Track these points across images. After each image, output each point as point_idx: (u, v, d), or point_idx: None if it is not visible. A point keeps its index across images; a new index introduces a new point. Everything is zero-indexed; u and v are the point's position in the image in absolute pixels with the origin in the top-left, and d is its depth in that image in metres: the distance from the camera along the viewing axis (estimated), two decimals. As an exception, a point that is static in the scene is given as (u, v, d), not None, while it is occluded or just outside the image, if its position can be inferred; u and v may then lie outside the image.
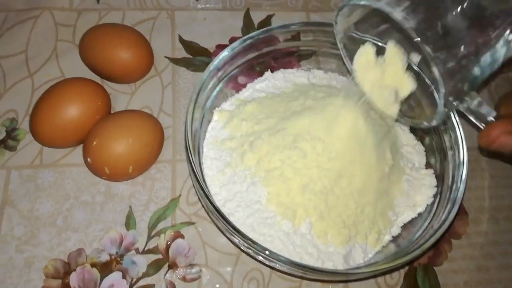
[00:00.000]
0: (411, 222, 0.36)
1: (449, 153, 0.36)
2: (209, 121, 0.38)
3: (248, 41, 0.37)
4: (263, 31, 0.37)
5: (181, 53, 0.46)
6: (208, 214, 0.35)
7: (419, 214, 0.36)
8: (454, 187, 0.34)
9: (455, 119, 0.36)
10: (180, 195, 0.39)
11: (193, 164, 0.31)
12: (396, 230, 0.35)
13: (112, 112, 0.40)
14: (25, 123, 0.40)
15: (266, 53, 0.40)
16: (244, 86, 0.42)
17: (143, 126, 0.36)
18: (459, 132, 0.35)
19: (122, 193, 0.38)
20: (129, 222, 0.37)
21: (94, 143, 0.35)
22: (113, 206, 0.38)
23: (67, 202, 0.38)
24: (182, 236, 0.37)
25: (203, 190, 0.30)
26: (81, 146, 0.39)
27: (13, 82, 0.42)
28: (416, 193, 0.36)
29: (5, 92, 0.42)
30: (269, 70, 0.42)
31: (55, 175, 0.39)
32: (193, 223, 0.38)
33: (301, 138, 0.33)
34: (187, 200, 0.39)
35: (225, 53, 0.36)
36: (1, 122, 0.40)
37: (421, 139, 0.40)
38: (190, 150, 0.31)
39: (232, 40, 0.47)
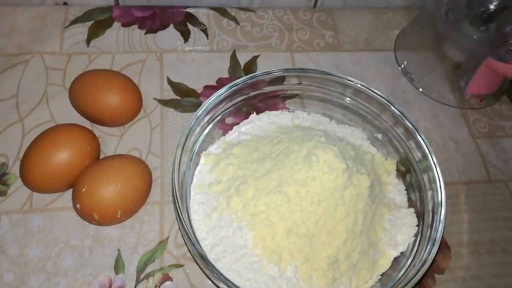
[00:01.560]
0: (395, 260, 0.37)
1: (429, 193, 0.37)
2: (196, 165, 0.39)
3: (234, 87, 0.38)
4: (249, 77, 0.39)
5: (170, 94, 0.47)
6: (195, 260, 0.35)
7: (402, 253, 0.37)
8: (433, 226, 0.35)
9: (432, 160, 0.37)
10: (168, 237, 0.39)
11: (179, 212, 0.32)
12: (379, 270, 0.36)
13: (101, 155, 0.41)
14: (15, 168, 0.41)
15: (252, 96, 0.42)
16: (231, 126, 0.43)
17: (131, 171, 0.37)
18: (437, 173, 0.36)
19: (111, 236, 0.39)
20: (118, 266, 0.38)
21: (83, 189, 0.35)
22: (102, 250, 0.38)
23: (56, 246, 0.38)
24: (171, 279, 0.38)
25: (189, 238, 0.31)
26: (70, 190, 0.39)
27: (4, 127, 0.43)
28: (398, 232, 0.37)
29: (-5, 136, 0.43)
30: (254, 112, 0.43)
31: (45, 220, 0.39)
32: (182, 266, 0.38)
33: (285, 182, 0.34)
34: (175, 242, 0.39)
35: (212, 99, 0.38)
36: (-9, 167, 0.41)
37: (403, 176, 0.42)
38: (177, 197, 0.32)
39: (220, 81, 0.49)
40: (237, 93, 0.40)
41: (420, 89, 0.52)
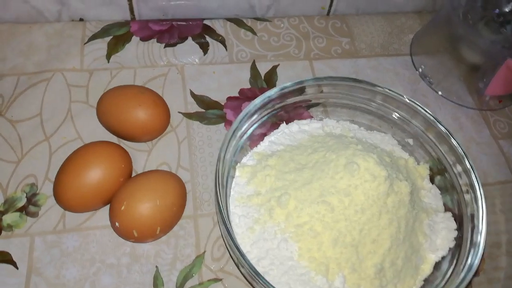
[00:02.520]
0: (436, 266, 0.37)
1: (466, 196, 0.37)
2: (232, 177, 0.39)
3: (266, 99, 0.38)
4: (280, 88, 0.39)
5: (194, 107, 0.47)
6: (242, 274, 0.35)
7: (443, 258, 0.37)
8: (475, 230, 0.35)
9: (469, 163, 0.37)
10: (205, 251, 0.39)
11: (227, 227, 0.31)
12: (422, 276, 0.36)
13: (132, 172, 0.41)
14: (45, 188, 0.40)
15: (279, 107, 0.42)
16: (259, 137, 0.43)
17: (168, 186, 0.37)
18: (475, 176, 0.37)
19: (148, 253, 0.38)
20: (157, 283, 0.37)
21: (122, 207, 0.35)
22: (140, 268, 0.38)
23: (93, 266, 0.38)
24: (211, 294, 0.38)
25: (239, 252, 0.31)
26: (104, 208, 0.39)
27: (30, 146, 0.43)
28: (437, 237, 0.37)
29: (22, 157, 0.42)
30: (284, 122, 0.43)
31: (80, 239, 0.38)
32: (220, 280, 0.38)
33: (327, 191, 0.34)
34: (212, 255, 0.39)
35: (245, 112, 0.38)
36: (21, 188, 0.40)
37: (431, 180, 0.42)
38: (223, 213, 0.32)
39: (242, 91, 0.49)
40: (268, 104, 0.40)
41: (439, 92, 0.52)
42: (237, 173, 0.39)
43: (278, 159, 0.38)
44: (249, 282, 0.35)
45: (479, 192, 0.36)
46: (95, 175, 0.37)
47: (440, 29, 0.54)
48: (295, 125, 0.42)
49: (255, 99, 0.38)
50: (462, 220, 0.37)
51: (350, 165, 0.34)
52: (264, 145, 0.41)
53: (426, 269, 0.36)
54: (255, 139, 0.43)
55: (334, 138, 0.39)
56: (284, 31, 0.55)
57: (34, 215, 0.39)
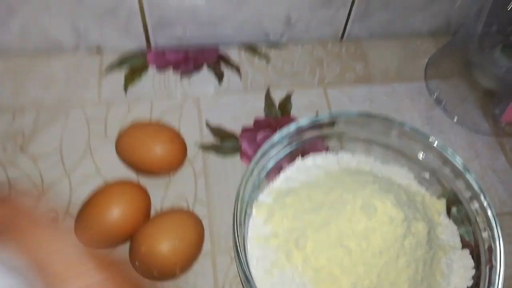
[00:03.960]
0: (454, 305, 0.37)
1: (483, 234, 0.37)
2: (249, 215, 0.39)
3: (284, 134, 0.39)
4: (297, 127, 0.40)
5: (209, 138, 0.48)
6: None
7: (460, 297, 0.37)
8: (493, 270, 0.35)
9: (486, 200, 0.37)
10: (222, 289, 0.40)
11: (246, 273, 0.32)
12: (441, 316, 0.36)
13: (151, 207, 0.41)
14: (66, 224, 0.41)
15: (295, 143, 0.42)
16: (274, 170, 0.43)
17: (186, 226, 0.37)
18: (492, 213, 0.37)
19: (167, 291, 0.39)
20: (177, 321, 0.38)
21: (143, 247, 0.36)
22: (159, 305, 0.39)
23: (113, 303, 0.38)
24: (229, 332, 0.38)
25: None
26: (122, 245, 0.39)
27: (50, 182, 0.43)
28: (455, 276, 0.37)
29: (43, 193, 0.43)
30: (299, 155, 0.43)
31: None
32: (239, 317, 0.39)
33: (345, 234, 0.34)
34: (230, 293, 0.40)
35: (263, 149, 0.38)
36: (43, 224, 0.41)
37: (447, 210, 0.42)
38: (241, 256, 0.32)
39: (256, 123, 0.49)
40: (285, 139, 0.40)
41: (455, 119, 0.52)
42: (254, 211, 0.39)
43: (295, 197, 0.38)
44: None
45: (496, 231, 0.36)
46: (115, 214, 0.37)
47: (455, 54, 0.54)
48: (310, 160, 0.43)
49: (273, 136, 0.39)
50: (479, 256, 0.37)
51: (367, 207, 0.34)
52: (279, 181, 0.42)
53: (445, 309, 0.36)
54: (270, 172, 0.43)
55: (350, 175, 0.40)
56: (298, 57, 0.56)
57: (55, 251, 0.40)
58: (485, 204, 0.37)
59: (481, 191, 0.38)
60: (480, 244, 0.37)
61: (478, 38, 0.50)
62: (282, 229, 0.37)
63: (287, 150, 0.42)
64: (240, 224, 0.35)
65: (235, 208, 0.35)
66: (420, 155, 0.42)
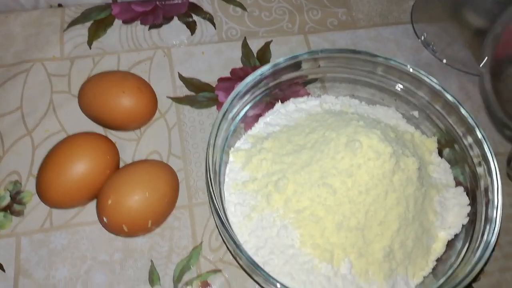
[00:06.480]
0: (449, 245, 0.34)
1: (478, 169, 0.34)
2: (226, 163, 0.36)
3: (258, 77, 0.36)
4: (273, 65, 0.36)
5: (183, 91, 0.44)
6: (240, 265, 0.33)
7: (456, 236, 0.34)
8: (490, 204, 0.32)
9: (481, 133, 0.35)
10: (202, 242, 0.37)
11: (221, 217, 0.29)
12: (434, 256, 0.34)
13: (120, 163, 0.38)
14: (30, 185, 0.38)
15: (273, 86, 0.39)
16: (253, 118, 0.40)
17: (158, 176, 0.34)
18: (487, 147, 0.34)
19: (141, 248, 0.36)
20: (153, 278, 0.35)
21: (109, 201, 0.33)
22: (134, 263, 0.36)
23: (84, 264, 0.35)
24: (210, 286, 0.35)
25: (235, 243, 0.28)
26: (92, 202, 0.37)
27: (12, 142, 0.40)
28: (449, 214, 0.34)
29: (4, 154, 0.40)
30: (279, 101, 0.40)
31: (68, 237, 0.36)
32: (220, 270, 0.36)
33: (328, 173, 0.31)
34: (209, 246, 0.37)
35: (236, 92, 0.35)
36: (4, 186, 0.38)
37: (439, 153, 0.39)
38: (215, 202, 0.30)
39: (233, 72, 0.46)
40: (260, 82, 0.37)
41: (444, 61, 0.49)
42: (230, 158, 0.36)
43: (274, 141, 0.35)
44: (249, 274, 0.33)
45: (493, 163, 0.33)
46: (80, 168, 0.34)
47: (441, -7, 0.51)
48: (291, 104, 0.40)
49: (247, 78, 0.36)
50: (475, 195, 0.35)
51: (352, 143, 0.31)
52: (258, 127, 0.39)
53: (438, 248, 0.34)
54: (249, 121, 0.40)
55: (334, 115, 0.37)
56: (276, 4, 0.52)
57: (19, 214, 0.37)
58: (479, 136, 0.35)
59: (476, 124, 0.35)
60: (475, 180, 0.35)
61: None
62: (261, 173, 0.34)
63: (265, 94, 0.39)
64: (215, 172, 0.33)
65: (207, 154, 0.32)
66: (408, 92, 0.39)
